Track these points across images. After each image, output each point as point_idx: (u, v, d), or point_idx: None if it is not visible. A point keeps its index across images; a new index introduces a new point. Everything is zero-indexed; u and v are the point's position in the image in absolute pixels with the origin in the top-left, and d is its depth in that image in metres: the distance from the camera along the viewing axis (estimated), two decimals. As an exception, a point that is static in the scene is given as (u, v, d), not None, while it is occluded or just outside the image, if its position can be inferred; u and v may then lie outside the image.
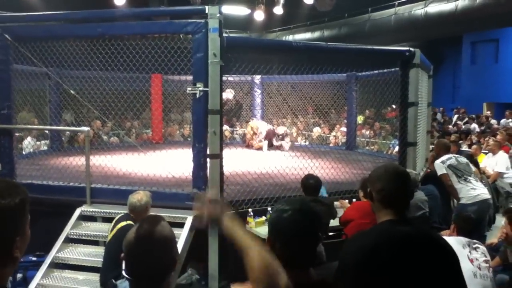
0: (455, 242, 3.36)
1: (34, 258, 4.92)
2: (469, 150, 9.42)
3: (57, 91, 8.19)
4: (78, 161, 6.03)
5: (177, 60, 5.21)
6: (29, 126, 7.86)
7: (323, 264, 3.78)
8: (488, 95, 18.65)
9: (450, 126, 14.54)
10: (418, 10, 13.15)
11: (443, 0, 12.55)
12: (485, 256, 3.44)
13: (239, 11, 16.60)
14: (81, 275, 4.60)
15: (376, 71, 8.98)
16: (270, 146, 9.90)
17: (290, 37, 17.27)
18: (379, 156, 9.30)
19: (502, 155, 8.23)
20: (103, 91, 6.83)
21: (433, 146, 7.75)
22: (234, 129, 12.00)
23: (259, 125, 10.11)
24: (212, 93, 4.78)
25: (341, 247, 1.80)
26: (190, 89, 4.89)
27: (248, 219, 4.92)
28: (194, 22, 4.89)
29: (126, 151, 6.83)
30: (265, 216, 4.92)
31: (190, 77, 5.21)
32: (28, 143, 8.45)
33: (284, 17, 16.00)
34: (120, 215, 4.14)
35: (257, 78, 11.47)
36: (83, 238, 4.87)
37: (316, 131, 11.33)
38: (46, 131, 9.19)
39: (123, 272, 1.51)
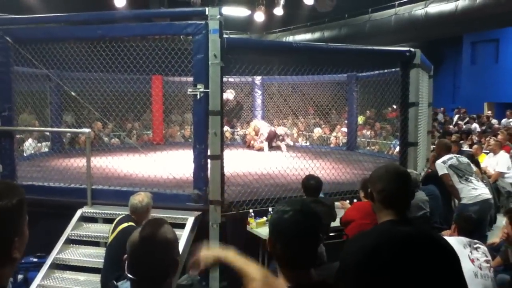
0: (456, 242, 3.36)
1: (35, 259, 4.93)
2: (470, 150, 9.41)
3: (58, 92, 8.21)
4: (79, 162, 6.03)
5: (178, 61, 5.22)
6: (30, 128, 7.88)
7: (324, 265, 3.79)
8: (488, 95, 18.64)
9: (451, 126, 14.53)
10: (418, 10, 13.15)
11: (443, 1, 12.55)
12: (486, 256, 3.44)
13: (239, 12, 16.61)
14: (82, 276, 4.60)
15: (377, 72, 8.98)
16: (270, 147, 9.91)
17: (290, 38, 17.27)
18: (380, 156, 9.30)
19: (503, 155, 8.23)
20: (104, 93, 6.84)
21: (434, 146, 7.75)
22: (235, 130, 12.01)
23: (261, 126, 10.12)
24: (213, 94, 4.79)
25: (342, 247, 1.80)
26: (190, 90, 4.90)
27: (249, 219, 4.92)
28: (195, 24, 4.90)
29: (127, 153, 6.84)
30: (266, 217, 4.93)
31: (190, 79, 5.22)
32: (29, 145, 8.46)
33: (284, 18, 16.00)
34: (121, 216, 4.14)
35: (258, 79, 11.48)
36: (84, 239, 4.87)
37: (317, 131, 11.33)
38: (47, 133, 9.20)
39: (126, 272, 1.54)
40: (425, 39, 15.96)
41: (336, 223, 4.57)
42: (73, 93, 6.37)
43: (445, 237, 2.56)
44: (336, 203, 5.17)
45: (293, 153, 8.53)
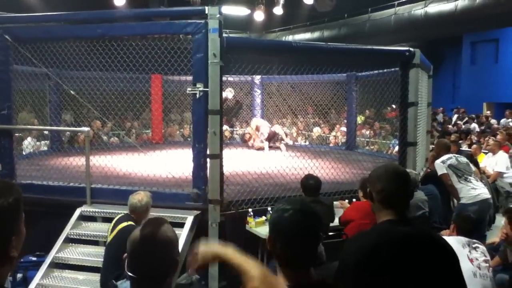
0: (455, 241, 3.37)
1: (34, 258, 4.93)
2: (469, 150, 9.43)
3: (57, 91, 8.20)
4: (78, 161, 6.03)
5: (177, 60, 5.22)
6: (29, 127, 7.87)
7: (324, 264, 3.79)
8: (488, 95, 18.65)
9: (450, 126, 14.54)
10: (418, 10, 13.15)
11: (442, 0, 12.55)
12: (485, 255, 3.44)
13: (239, 11, 16.60)
14: (81, 275, 4.60)
15: (376, 71, 8.99)
16: (270, 147, 9.91)
17: (290, 38, 17.26)
18: (379, 156, 9.30)
19: (502, 155, 8.23)
20: (103, 92, 6.84)
21: (433, 146, 7.76)
22: (234, 129, 12.01)
23: (261, 124, 10.11)
24: (212, 93, 4.79)
25: (341, 247, 1.80)
26: (190, 89, 4.90)
27: (248, 219, 4.93)
28: (194, 23, 4.90)
29: (126, 152, 6.84)
30: (265, 216, 4.93)
31: (190, 78, 5.21)
32: (28, 144, 8.45)
33: (284, 18, 16.00)
34: (120, 215, 4.14)
35: (257, 79, 11.48)
36: (83, 238, 4.87)
37: (316, 131, 11.34)
38: (46, 132, 9.19)
39: (126, 271, 1.54)
40: (424, 39, 15.96)
41: (335, 223, 4.57)
42: (72, 92, 6.36)
43: (444, 237, 2.57)
44: (335, 203, 5.18)
45: (292, 152, 8.53)
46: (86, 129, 5.51)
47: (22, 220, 1.28)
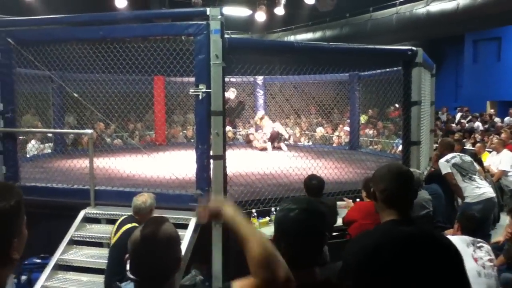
0: (459, 241, 3.36)
1: (38, 260, 4.94)
2: (473, 148, 9.39)
3: (60, 94, 8.22)
4: (82, 163, 6.05)
5: (179, 62, 5.22)
6: (33, 130, 7.89)
7: (327, 264, 3.79)
8: (491, 93, 18.60)
9: (454, 125, 14.49)
10: (420, 9, 13.11)
11: (444, -1, 12.53)
12: (490, 255, 3.43)
13: (241, 12, 16.60)
14: (85, 277, 4.61)
15: (379, 71, 8.97)
16: (272, 147, 9.91)
17: (291, 38, 17.25)
18: (382, 155, 9.28)
19: (506, 153, 8.20)
20: (106, 94, 6.85)
21: (436, 145, 7.73)
22: (237, 130, 12.02)
23: (266, 124, 10.10)
24: (215, 94, 4.79)
25: (344, 247, 1.80)
26: (192, 90, 4.90)
27: (252, 219, 4.92)
28: (196, 24, 4.90)
29: (129, 153, 6.85)
30: (269, 216, 4.93)
31: (192, 79, 5.22)
32: (32, 146, 8.48)
33: (285, 18, 16.00)
34: (124, 217, 4.15)
35: (260, 79, 11.48)
36: (87, 240, 4.88)
37: (319, 131, 11.33)
38: (50, 134, 9.21)
39: (128, 273, 1.53)
40: (426, 38, 15.92)
41: (338, 223, 4.56)
42: (75, 94, 6.38)
43: (448, 236, 2.56)
44: (339, 203, 5.17)
45: (296, 152, 8.52)
46: (89, 131, 5.53)
47: (24, 222, 1.28)
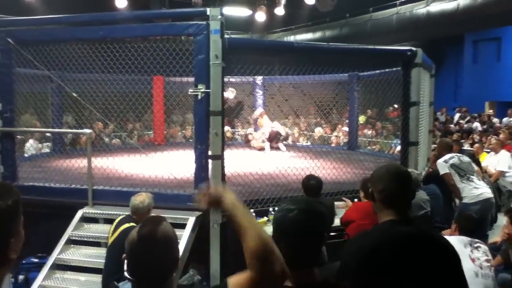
0: (457, 241, 3.36)
1: (36, 260, 4.93)
2: (471, 149, 9.40)
3: (59, 93, 8.22)
4: (80, 163, 6.04)
5: (179, 62, 5.22)
6: (32, 129, 7.89)
7: (326, 265, 3.79)
8: (490, 94, 18.61)
9: (452, 125, 14.51)
10: (420, 9, 13.13)
11: (444, -1, 12.55)
12: (487, 255, 3.43)
13: (240, 12, 16.61)
14: (83, 277, 4.61)
15: (378, 71, 8.97)
16: (271, 147, 9.91)
17: (291, 38, 17.25)
18: (381, 156, 9.28)
19: (504, 154, 8.21)
20: (105, 94, 6.85)
21: (435, 146, 7.74)
22: (236, 130, 12.01)
23: (265, 123, 10.10)
24: (214, 94, 4.79)
25: (342, 247, 1.80)
26: (191, 90, 4.90)
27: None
28: (196, 24, 4.90)
29: (128, 153, 6.85)
30: (267, 216, 4.93)
31: (191, 79, 5.22)
32: (30, 146, 8.47)
33: (285, 18, 16.00)
34: (122, 217, 4.15)
35: (259, 79, 11.48)
36: (85, 239, 4.88)
37: (318, 131, 11.33)
38: (48, 134, 9.21)
39: (126, 273, 1.52)
40: (426, 38, 15.93)
41: (336, 223, 4.57)
42: (74, 94, 6.37)
43: (446, 237, 2.56)
44: (337, 203, 5.17)
45: (294, 152, 8.52)
46: (88, 131, 5.53)
47: (21, 223, 1.28)
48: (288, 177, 5.86)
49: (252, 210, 4.98)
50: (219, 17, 4.78)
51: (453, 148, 6.08)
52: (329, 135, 11.24)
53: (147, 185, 5.37)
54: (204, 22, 4.84)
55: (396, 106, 9.59)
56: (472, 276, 3.19)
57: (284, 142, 10.23)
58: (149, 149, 8.13)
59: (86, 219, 5.09)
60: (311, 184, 4.44)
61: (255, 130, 10.89)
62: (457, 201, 5.82)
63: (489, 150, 8.99)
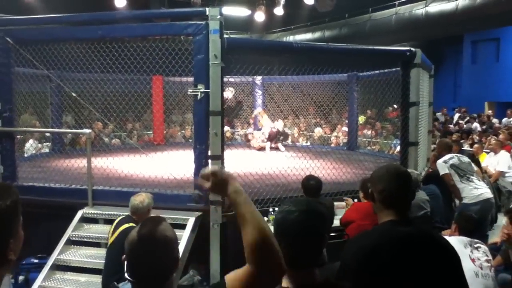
0: (457, 242, 3.36)
1: (36, 260, 4.93)
2: (471, 149, 9.40)
3: (58, 93, 8.21)
4: (79, 163, 6.04)
5: (178, 62, 5.22)
6: (31, 129, 7.88)
7: (326, 265, 3.79)
8: (489, 94, 18.61)
9: (452, 126, 14.51)
10: (419, 10, 13.13)
11: (443, 0, 12.55)
12: (487, 255, 3.43)
13: (240, 12, 16.61)
14: (83, 277, 4.60)
15: (377, 71, 8.98)
16: (270, 147, 9.92)
17: (290, 38, 17.25)
18: (380, 156, 9.29)
19: (504, 154, 8.22)
20: (104, 93, 6.84)
21: (434, 146, 7.74)
22: (235, 130, 12.02)
23: (265, 123, 10.10)
24: (213, 94, 4.79)
25: (342, 247, 1.80)
26: (191, 90, 4.90)
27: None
28: (195, 24, 4.90)
29: (127, 153, 6.85)
30: (267, 217, 4.93)
31: (191, 79, 5.22)
32: (30, 146, 8.47)
33: (284, 18, 16.00)
34: (121, 217, 4.14)
35: (258, 79, 11.49)
36: (85, 240, 4.87)
37: (318, 131, 11.33)
38: (48, 134, 9.20)
39: (126, 275, 1.52)
40: (425, 38, 15.94)
41: (335, 224, 4.56)
42: (73, 94, 6.37)
43: (446, 237, 2.56)
44: (337, 203, 5.17)
45: (294, 153, 8.52)
46: (87, 131, 5.52)
47: (20, 223, 1.27)
48: (288, 178, 5.86)
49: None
50: (218, 17, 4.78)
51: (452, 148, 6.08)
52: (329, 135, 11.24)
53: (147, 185, 5.36)
54: (203, 22, 4.83)
55: (395, 106, 9.60)
56: (472, 277, 3.19)
57: (283, 142, 10.22)
58: (148, 149, 8.12)
59: (86, 220, 5.08)
60: (311, 184, 4.43)
61: (255, 129, 10.90)
62: (457, 201, 5.82)
63: (488, 151, 8.99)
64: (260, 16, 15.19)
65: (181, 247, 4.28)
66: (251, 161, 7.13)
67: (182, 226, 4.59)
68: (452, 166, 5.41)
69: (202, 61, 4.82)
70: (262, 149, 9.81)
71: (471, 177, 5.38)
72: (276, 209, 4.89)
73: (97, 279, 4.25)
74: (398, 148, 7.46)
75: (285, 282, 1.56)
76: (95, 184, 5.32)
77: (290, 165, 6.09)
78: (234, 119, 12.01)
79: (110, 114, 6.78)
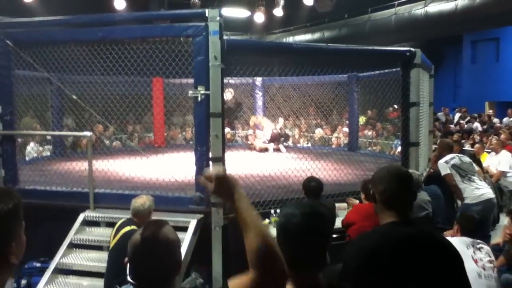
0: (459, 242, 3.35)
1: (38, 264, 4.93)
2: (472, 149, 9.40)
3: (59, 96, 8.21)
4: (81, 166, 6.04)
5: (178, 63, 5.22)
6: (32, 132, 7.88)
7: (327, 267, 3.78)
8: (489, 94, 18.61)
9: (452, 126, 14.50)
10: (418, 10, 13.13)
11: (443, 0, 12.55)
12: (489, 256, 3.43)
13: (239, 13, 16.60)
14: (85, 281, 4.60)
15: (377, 72, 8.98)
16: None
17: (290, 39, 17.27)
18: (381, 156, 9.28)
19: (505, 154, 8.21)
20: (105, 96, 6.84)
21: (435, 146, 7.74)
22: (236, 131, 12.01)
23: (266, 125, 10.10)
24: (214, 96, 4.78)
25: (344, 249, 1.79)
26: (191, 92, 4.89)
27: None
28: (195, 25, 4.89)
29: (128, 155, 6.84)
30: (269, 219, 4.92)
31: (191, 80, 5.21)
32: (31, 149, 8.47)
33: (284, 19, 15.99)
34: (123, 220, 4.14)
35: (258, 80, 11.48)
36: (87, 243, 4.87)
37: (318, 132, 11.33)
38: (49, 137, 9.20)
39: (128, 277, 1.52)
40: (425, 38, 15.95)
41: (337, 225, 4.56)
42: (74, 96, 6.37)
43: (448, 238, 2.56)
44: (338, 205, 5.17)
45: (295, 154, 8.52)
46: (88, 133, 5.52)
47: (22, 227, 1.27)
48: (289, 179, 5.85)
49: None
50: (218, 18, 4.78)
51: (453, 148, 6.08)
52: (330, 136, 11.23)
53: (148, 187, 5.36)
54: (203, 23, 4.83)
55: (396, 106, 9.59)
56: (475, 277, 3.18)
57: (284, 143, 10.22)
58: (149, 151, 8.12)
59: (87, 223, 5.08)
60: (312, 185, 4.43)
61: (255, 131, 10.89)
62: (458, 202, 5.81)
63: (490, 151, 8.98)
64: (259, 17, 15.19)
65: (183, 250, 4.27)
66: (252, 162, 7.12)
67: (184, 229, 4.58)
68: (454, 166, 5.40)
69: (202, 63, 4.82)
70: (263, 150, 9.81)
71: (473, 177, 5.37)
72: (278, 211, 4.88)
73: (100, 282, 4.24)
74: (399, 149, 7.45)
75: (288, 285, 1.56)
76: (96, 187, 5.31)
77: (291, 167, 6.08)
78: (234, 120, 12.00)
79: (111, 117, 6.79)
